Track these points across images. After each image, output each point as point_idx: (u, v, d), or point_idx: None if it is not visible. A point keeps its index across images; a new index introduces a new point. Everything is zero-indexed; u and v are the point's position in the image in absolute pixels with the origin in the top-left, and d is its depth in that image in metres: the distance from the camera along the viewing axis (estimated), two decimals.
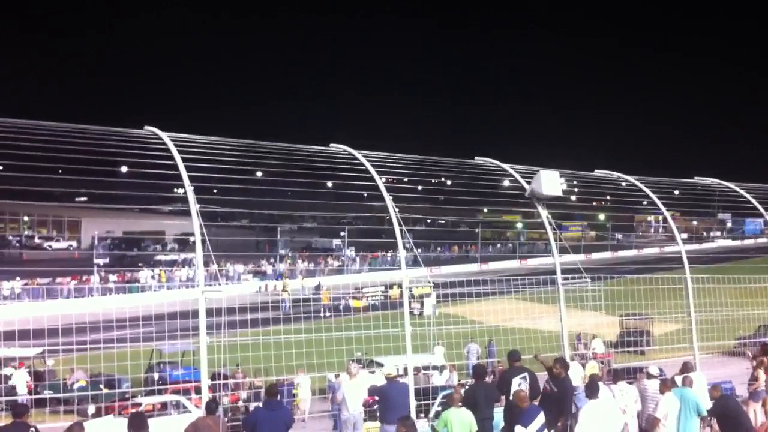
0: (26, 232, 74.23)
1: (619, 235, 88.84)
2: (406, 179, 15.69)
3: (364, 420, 13.21)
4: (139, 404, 18.73)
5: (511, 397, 10.62)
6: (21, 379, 22.18)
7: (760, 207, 17.76)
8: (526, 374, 10.83)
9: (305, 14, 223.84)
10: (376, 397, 12.53)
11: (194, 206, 10.62)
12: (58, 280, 44.03)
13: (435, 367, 22.41)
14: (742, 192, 17.97)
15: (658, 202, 16.47)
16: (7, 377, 21.96)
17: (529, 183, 14.26)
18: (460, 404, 10.03)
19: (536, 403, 10.33)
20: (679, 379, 12.90)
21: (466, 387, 13.26)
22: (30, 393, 21.05)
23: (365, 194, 13.72)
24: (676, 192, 18.89)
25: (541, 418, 9.45)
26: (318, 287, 44.33)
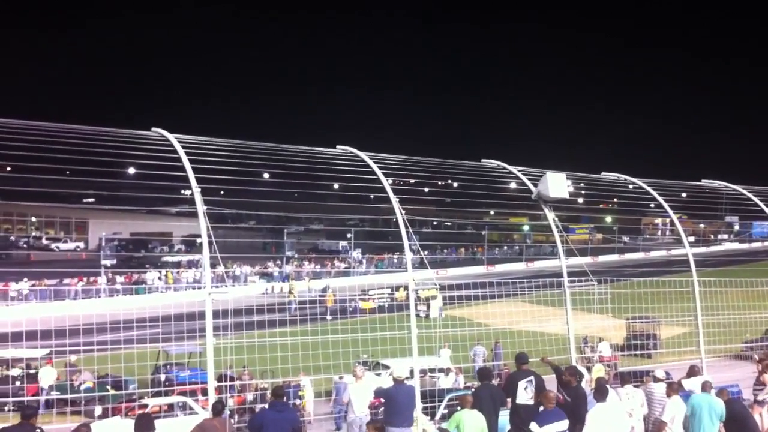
0: (34, 233, 74.55)
1: (625, 238, 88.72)
2: (412, 181, 15.69)
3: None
4: (146, 405, 18.76)
5: (517, 400, 10.60)
6: (49, 376, 22.36)
7: (767, 210, 17.70)
8: (532, 377, 10.80)
9: (316, 13, 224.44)
10: (382, 399, 12.53)
11: (201, 208, 10.64)
12: (66, 281, 44.15)
13: (441, 370, 22.39)
14: (750, 195, 17.91)
15: (665, 205, 16.43)
16: (15, 377, 22.05)
17: (535, 185, 14.24)
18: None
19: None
20: (687, 383, 12.88)
21: (472, 389, 13.25)
22: (37, 394, 21.13)
23: (372, 196, 13.72)
24: (684, 195, 18.83)
25: (560, 426, 9.42)
26: (325, 289, 44.27)
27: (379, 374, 20.74)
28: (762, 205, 17.70)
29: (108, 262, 51.86)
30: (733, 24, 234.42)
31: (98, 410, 20.10)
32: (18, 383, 21.50)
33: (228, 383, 18.36)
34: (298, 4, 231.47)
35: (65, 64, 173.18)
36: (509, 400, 10.86)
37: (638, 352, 26.27)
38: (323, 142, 13.50)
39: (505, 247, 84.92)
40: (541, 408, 10.06)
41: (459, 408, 10.16)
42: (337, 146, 13.55)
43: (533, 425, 9.36)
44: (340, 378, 18.55)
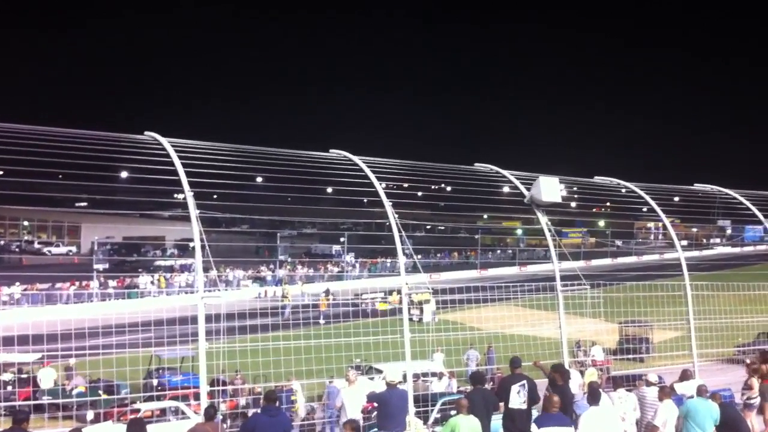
0: (26, 237, 74.35)
1: (618, 242, 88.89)
2: (405, 185, 15.69)
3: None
4: (138, 410, 18.69)
5: (510, 405, 10.60)
6: (48, 377, 22.29)
7: (759, 214, 17.75)
8: (525, 382, 10.82)
9: (316, 13, 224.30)
10: (375, 404, 12.51)
11: (194, 212, 10.62)
12: (58, 285, 44.00)
13: (434, 374, 22.37)
14: (742, 199, 17.97)
15: (658, 209, 16.47)
16: (7, 382, 21.95)
17: (528, 189, 14.27)
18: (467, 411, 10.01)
19: (536, 411, 10.33)
20: (679, 387, 12.89)
21: (464, 394, 13.22)
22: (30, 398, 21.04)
23: (365, 200, 13.72)
24: (676, 199, 18.88)
25: (560, 431, 9.41)
26: (326, 292, 43.94)
27: (372, 378, 20.68)
28: (754, 209, 17.76)
29: (100, 266, 51.81)
30: (733, 24, 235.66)
31: (90, 415, 20.00)
32: (10, 388, 21.42)
33: (220, 388, 18.31)
34: (298, 4, 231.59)
35: (65, 64, 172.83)
36: (502, 404, 10.87)
37: (631, 356, 26.31)
38: (323, 142, 13.55)
39: (498, 251, 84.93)
40: (536, 412, 10.08)
41: (453, 413, 10.14)
42: (331, 150, 13.54)
43: (533, 426, 9.39)
44: (330, 382, 18.51)
